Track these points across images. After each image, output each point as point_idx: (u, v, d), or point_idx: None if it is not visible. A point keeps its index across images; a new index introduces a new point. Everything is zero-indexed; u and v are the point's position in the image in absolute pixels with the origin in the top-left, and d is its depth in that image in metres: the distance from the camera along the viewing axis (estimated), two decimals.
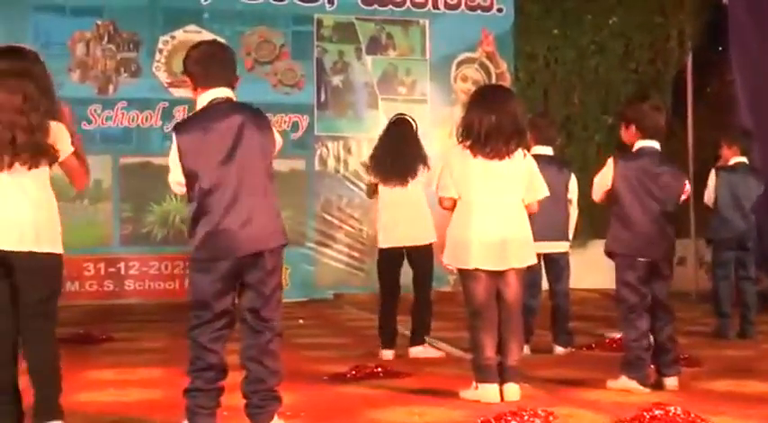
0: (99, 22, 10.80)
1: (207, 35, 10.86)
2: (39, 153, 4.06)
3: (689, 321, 8.38)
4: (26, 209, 4.06)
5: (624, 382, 5.28)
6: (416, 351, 6.64)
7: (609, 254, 5.48)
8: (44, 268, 4.11)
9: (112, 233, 10.73)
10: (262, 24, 11.12)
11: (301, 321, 8.97)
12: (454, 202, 5.15)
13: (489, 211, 5.04)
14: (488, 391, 4.98)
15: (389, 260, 6.75)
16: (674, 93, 11.88)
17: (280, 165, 10.78)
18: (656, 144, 5.39)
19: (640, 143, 5.39)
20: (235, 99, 4.24)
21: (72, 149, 4.20)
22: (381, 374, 5.72)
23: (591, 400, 5.02)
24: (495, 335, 5.06)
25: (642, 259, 5.31)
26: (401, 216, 6.62)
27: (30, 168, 4.06)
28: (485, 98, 5.25)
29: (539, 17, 11.80)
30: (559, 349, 6.75)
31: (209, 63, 4.25)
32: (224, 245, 4.06)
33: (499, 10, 11.63)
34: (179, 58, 10.83)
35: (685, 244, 10.86)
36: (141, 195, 10.70)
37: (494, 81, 11.47)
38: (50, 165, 4.12)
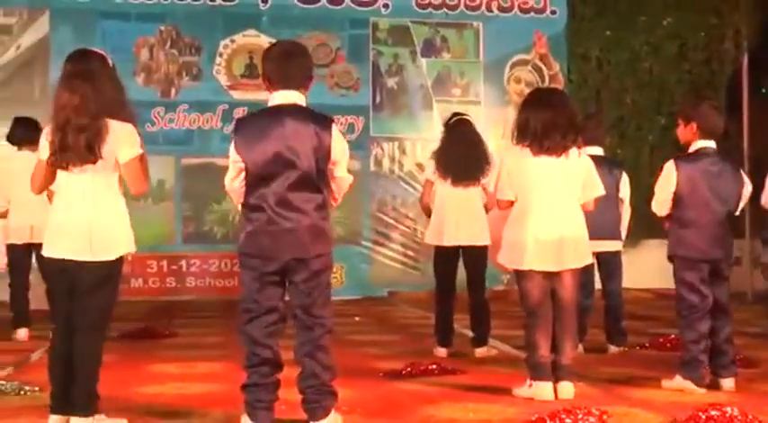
0: (162, 28, 10.91)
1: (265, 39, 10.93)
2: (82, 153, 4.06)
3: (744, 322, 8.20)
4: (83, 212, 4.10)
5: (679, 381, 5.19)
6: (481, 351, 6.59)
7: (671, 257, 5.37)
8: (95, 276, 4.15)
9: (174, 232, 10.83)
10: (318, 28, 11.15)
11: (357, 319, 8.97)
12: (511, 204, 5.10)
13: (546, 211, 4.98)
14: (543, 389, 4.93)
15: (446, 258, 6.70)
16: (729, 93, 11.69)
17: None
18: (713, 144, 5.30)
19: (700, 143, 5.29)
20: (301, 102, 4.22)
21: (136, 153, 4.20)
22: (436, 371, 5.70)
23: (645, 399, 4.94)
24: (550, 333, 5.02)
25: (704, 260, 5.22)
26: (460, 215, 6.58)
27: (77, 167, 4.08)
28: (538, 98, 5.21)
29: (591, 19, 11.70)
30: (613, 348, 6.67)
31: (281, 63, 4.26)
32: (270, 246, 4.07)
33: (552, 12, 11.53)
34: (238, 61, 11.00)
35: (740, 244, 10.67)
36: (202, 195, 10.77)
37: (547, 82, 11.39)
38: (92, 163, 4.08)
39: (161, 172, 10.64)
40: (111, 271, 4.16)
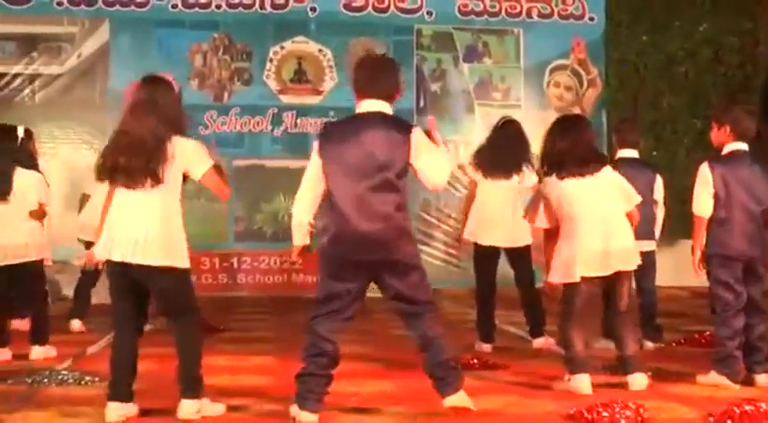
0: (215, 35, 10.98)
1: (313, 45, 10.98)
2: (145, 175, 4.23)
3: None
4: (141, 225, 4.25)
5: (714, 377, 5.14)
6: (539, 342, 6.58)
7: (708, 256, 5.32)
8: (161, 282, 4.28)
9: (226, 230, 10.89)
10: (365, 34, 11.15)
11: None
12: (546, 231, 5.25)
13: (591, 224, 5.04)
14: (581, 382, 4.92)
15: (486, 257, 6.70)
16: (764, 96, 11.55)
17: None
18: (745, 146, 5.26)
19: (733, 145, 5.26)
20: (386, 111, 4.31)
21: (209, 166, 4.36)
22: (477, 366, 5.70)
23: (681, 394, 4.91)
24: (584, 331, 5.07)
25: (739, 259, 5.17)
26: (499, 215, 6.56)
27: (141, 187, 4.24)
28: (559, 127, 5.30)
29: (628, 24, 11.59)
30: (649, 344, 6.61)
31: (365, 75, 4.36)
32: (350, 247, 4.14)
33: (591, 18, 11.45)
34: (288, 66, 11.05)
35: None
36: (253, 195, 10.83)
37: (585, 86, 11.32)
38: (155, 185, 4.25)
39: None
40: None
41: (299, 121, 10.87)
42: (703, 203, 5.27)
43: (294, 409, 4.18)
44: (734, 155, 5.25)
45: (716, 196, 5.21)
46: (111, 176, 4.32)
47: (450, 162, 4.41)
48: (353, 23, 11.12)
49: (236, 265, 10.78)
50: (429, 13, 11.23)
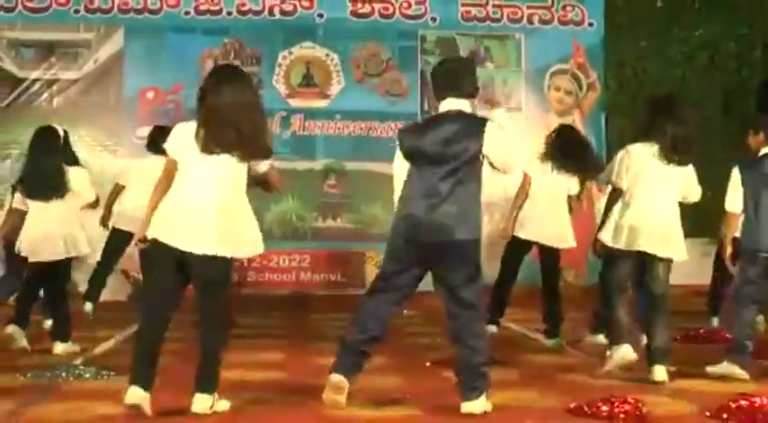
0: (226, 41, 10.99)
1: (321, 50, 10.99)
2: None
3: None
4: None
5: (726, 366, 5.19)
6: (554, 343, 6.59)
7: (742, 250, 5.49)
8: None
9: None
10: (371, 40, 11.16)
11: (406, 312, 8.93)
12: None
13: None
14: (623, 351, 5.17)
15: (520, 249, 6.75)
16: (759, 99, 11.55)
17: (385, 168, 10.85)
18: None
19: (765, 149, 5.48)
20: (465, 109, 4.45)
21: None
22: None
23: (678, 389, 4.93)
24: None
25: (765, 254, 5.28)
26: (547, 212, 6.58)
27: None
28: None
29: (627, 30, 11.59)
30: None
31: (441, 77, 4.54)
32: (410, 230, 4.28)
33: (590, 24, 11.44)
34: (296, 71, 11.06)
35: None
36: (262, 196, 10.75)
37: (585, 90, 11.31)
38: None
39: None
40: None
41: (306, 123, 10.88)
42: (731, 203, 5.50)
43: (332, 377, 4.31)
44: (764, 157, 5.47)
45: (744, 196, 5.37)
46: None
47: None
48: (360, 29, 11.13)
49: (245, 263, 10.78)
50: (433, 19, 11.24)
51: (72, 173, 6.29)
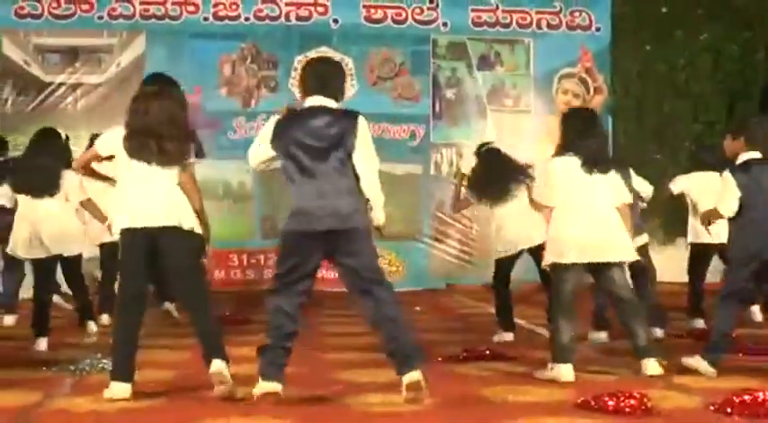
0: (243, 46, 11.02)
1: (335, 55, 10.98)
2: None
3: None
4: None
5: (697, 360, 5.15)
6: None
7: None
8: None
9: (254, 228, 10.92)
10: (384, 45, 11.18)
11: (418, 308, 8.96)
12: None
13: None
14: (563, 371, 4.96)
15: (506, 263, 6.71)
16: (762, 101, 11.50)
17: (397, 169, 10.88)
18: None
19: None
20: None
21: None
22: (490, 356, 5.69)
23: (683, 384, 4.89)
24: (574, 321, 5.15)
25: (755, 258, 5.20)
26: (520, 220, 6.53)
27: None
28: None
29: (633, 35, 11.57)
30: (658, 331, 6.58)
31: (311, 77, 4.62)
32: (305, 221, 4.30)
33: (597, 29, 11.42)
34: None
35: None
36: (278, 195, 10.82)
37: (592, 93, 11.31)
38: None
39: (243, 174, 10.77)
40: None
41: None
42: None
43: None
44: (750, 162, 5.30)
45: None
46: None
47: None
48: (373, 34, 11.14)
49: (262, 261, 10.81)
50: (444, 25, 11.24)
51: (65, 174, 6.26)
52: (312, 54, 11.02)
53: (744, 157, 5.31)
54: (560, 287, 5.15)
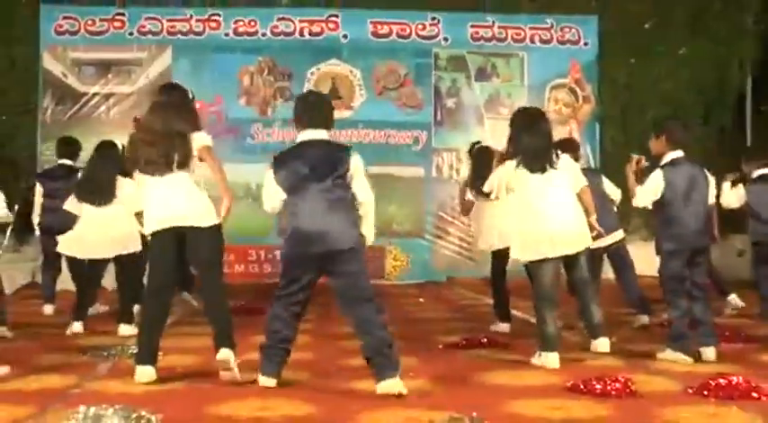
0: (261, 59, 11.04)
1: (345, 67, 11.02)
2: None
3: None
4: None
5: (669, 353, 5.14)
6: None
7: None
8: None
9: (270, 226, 10.90)
10: (389, 58, 11.18)
11: (421, 300, 8.97)
12: None
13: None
14: (550, 358, 4.98)
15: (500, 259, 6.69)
16: (736, 111, 11.49)
17: (402, 172, 10.88)
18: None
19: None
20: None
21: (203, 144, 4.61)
22: (488, 344, 5.69)
23: (664, 369, 4.89)
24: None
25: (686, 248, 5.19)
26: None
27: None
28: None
29: (619, 48, 11.54)
30: (645, 318, 6.58)
31: (305, 110, 4.74)
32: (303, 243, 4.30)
33: (585, 43, 11.41)
34: (323, 85, 11.06)
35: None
36: None
37: (581, 102, 11.31)
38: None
39: (259, 177, 10.69)
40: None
41: (332, 132, 10.87)
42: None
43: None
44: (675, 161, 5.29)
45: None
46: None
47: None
48: (380, 48, 11.15)
49: (278, 256, 10.81)
50: (445, 39, 11.24)
51: (122, 182, 6.31)
52: (324, 66, 11.06)
53: (671, 155, 5.29)
54: (540, 281, 5.12)
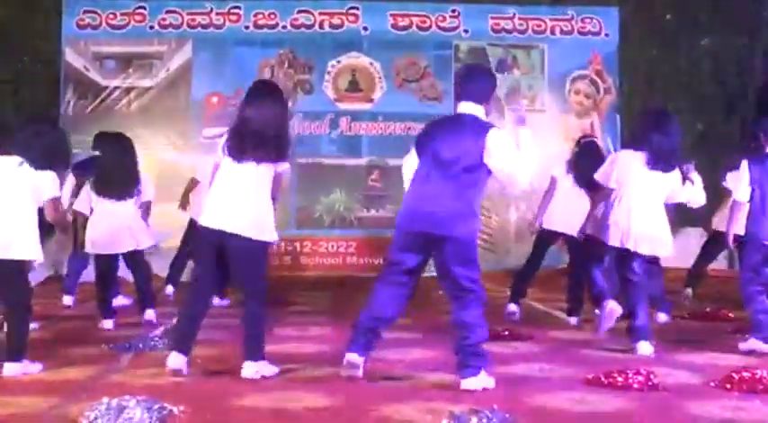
0: (281, 52, 11.02)
1: (366, 59, 10.99)
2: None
3: None
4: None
5: (753, 342, 5.12)
6: (574, 320, 6.50)
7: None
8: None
9: (290, 218, 10.93)
10: (410, 50, 11.13)
11: (441, 292, 8.91)
12: None
13: None
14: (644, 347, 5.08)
15: (547, 240, 6.70)
16: (759, 102, 11.37)
17: None
18: None
19: None
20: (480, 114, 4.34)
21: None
22: (509, 336, 5.68)
23: (686, 362, 4.86)
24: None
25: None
26: (571, 206, 6.47)
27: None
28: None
29: (640, 40, 11.45)
30: (663, 316, 6.52)
31: (461, 82, 4.57)
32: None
33: (606, 35, 11.31)
34: (343, 78, 11.05)
35: None
36: (313, 188, 10.84)
37: (602, 94, 11.22)
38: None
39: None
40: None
41: (353, 125, 10.89)
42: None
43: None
44: None
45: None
46: None
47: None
48: (400, 40, 11.11)
49: (298, 248, 10.84)
50: (465, 31, 11.18)
51: (144, 176, 6.37)
52: (344, 59, 11.03)
53: None
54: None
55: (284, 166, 4.54)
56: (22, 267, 4.57)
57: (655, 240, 5.23)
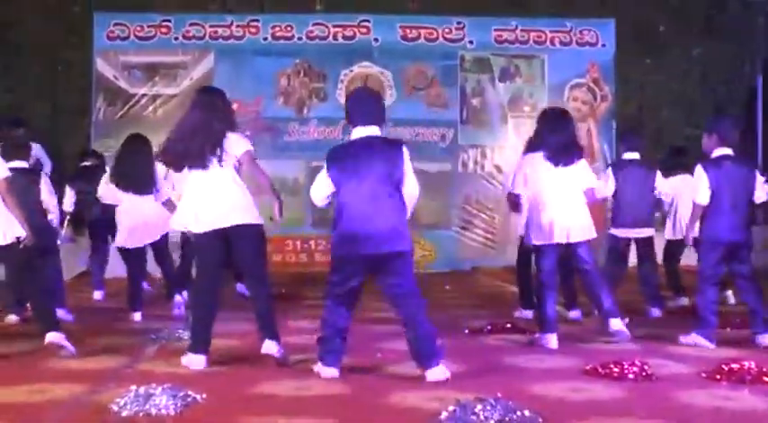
0: (297, 61, 11.05)
1: (376, 69, 11.01)
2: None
3: None
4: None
5: (694, 337, 5.07)
6: (574, 314, 6.43)
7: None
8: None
9: (305, 218, 10.93)
10: (418, 60, 11.14)
11: (447, 287, 8.94)
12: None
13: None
14: (549, 340, 5.01)
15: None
16: (746, 107, 11.33)
17: (430, 167, 10.84)
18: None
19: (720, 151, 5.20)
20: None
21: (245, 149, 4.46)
22: (512, 330, 5.66)
23: (678, 354, 4.84)
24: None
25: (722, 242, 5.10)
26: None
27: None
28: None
29: (634, 50, 11.44)
30: (656, 311, 6.49)
31: (355, 107, 4.40)
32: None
33: (603, 45, 11.28)
34: (355, 85, 11.01)
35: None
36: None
37: (598, 101, 11.19)
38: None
39: (296, 172, 10.82)
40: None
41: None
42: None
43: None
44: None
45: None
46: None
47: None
48: (408, 51, 11.11)
49: (312, 246, 10.85)
50: (470, 42, 11.18)
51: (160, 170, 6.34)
52: (356, 68, 11.04)
53: (719, 152, 5.20)
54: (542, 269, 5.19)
55: (240, 150, 4.41)
56: None
57: (584, 227, 5.18)
